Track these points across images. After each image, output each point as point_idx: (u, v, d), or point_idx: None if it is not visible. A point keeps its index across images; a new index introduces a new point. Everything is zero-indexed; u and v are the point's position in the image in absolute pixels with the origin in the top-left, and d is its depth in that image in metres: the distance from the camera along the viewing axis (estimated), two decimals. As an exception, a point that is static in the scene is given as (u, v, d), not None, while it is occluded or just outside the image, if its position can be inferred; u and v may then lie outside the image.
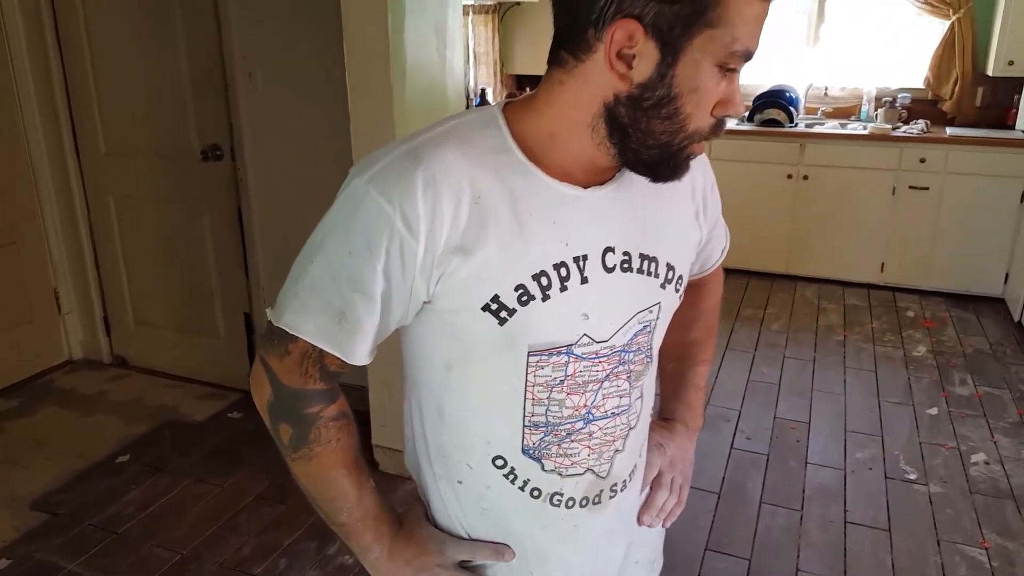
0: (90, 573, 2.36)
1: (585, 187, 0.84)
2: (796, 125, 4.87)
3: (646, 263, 0.88)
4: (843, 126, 4.90)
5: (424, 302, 0.83)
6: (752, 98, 4.89)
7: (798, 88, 5.01)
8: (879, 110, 4.86)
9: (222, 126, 3.10)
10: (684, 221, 0.95)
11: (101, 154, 3.44)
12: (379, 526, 0.96)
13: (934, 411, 3.35)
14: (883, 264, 4.77)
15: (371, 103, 2.44)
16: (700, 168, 0.97)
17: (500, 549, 0.95)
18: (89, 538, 2.52)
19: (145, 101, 3.25)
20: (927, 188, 4.54)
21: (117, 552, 2.46)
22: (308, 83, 2.91)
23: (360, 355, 0.85)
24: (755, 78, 4.98)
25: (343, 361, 0.85)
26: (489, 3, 4.27)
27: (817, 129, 4.84)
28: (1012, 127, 4.61)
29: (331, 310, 0.82)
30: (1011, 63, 4.43)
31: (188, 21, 3.04)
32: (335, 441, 0.91)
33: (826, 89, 5.16)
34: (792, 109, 4.88)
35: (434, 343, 0.88)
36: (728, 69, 0.77)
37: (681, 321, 1.06)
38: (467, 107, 2.79)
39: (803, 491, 2.78)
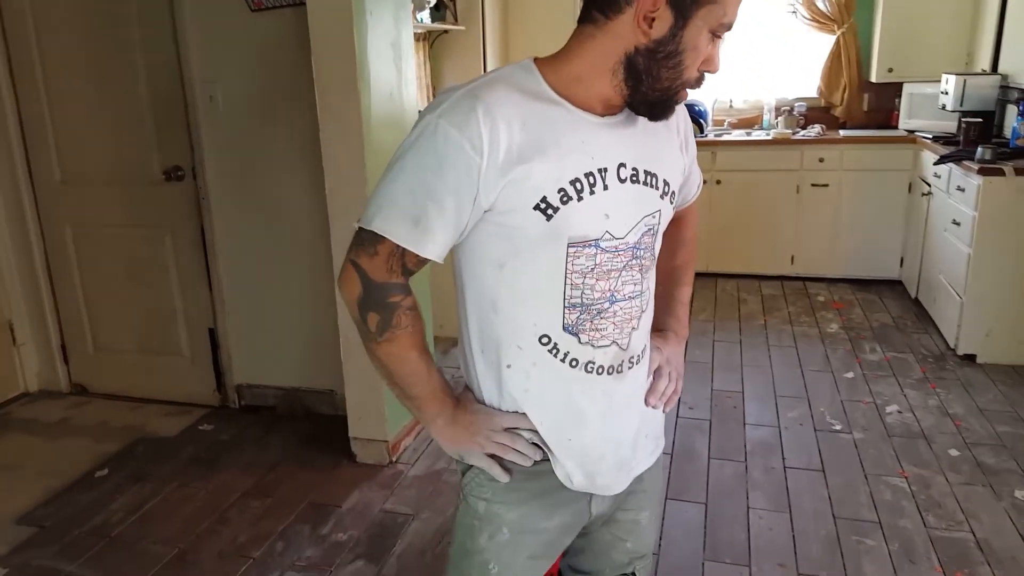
0: (91, 573, 2.45)
1: (602, 116, 1.11)
2: (706, 135, 5.31)
3: (649, 177, 1.15)
4: (748, 134, 5.36)
5: (485, 211, 1.07)
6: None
7: (705, 102, 5.47)
8: (779, 118, 5.36)
9: (183, 148, 3.25)
10: (672, 149, 1.23)
11: (56, 182, 3.52)
12: (444, 399, 1.19)
13: (850, 375, 3.73)
14: (793, 257, 5.22)
15: (340, 113, 2.66)
16: (683, 115, 1.26)
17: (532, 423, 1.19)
18: (83, 543, 2.60)
19: (103, 127, 3.36)
20: (827, 185, 5.03)
21: (114, 553, 2.55)
22: (268, 103, 3.11)
23: (431, 252, 1.07)
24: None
25: (419, 258, 1.08)
26: (419, 31, 4.54)
27: (725, 138, 5.29)
28: (896, 127, 5.16)
29: (410, 216, 1.05)
30: (890, 70, 4.98)
31: (147, 46, 3.19)
32: (411, 326, 1.14)
33: (731, 102, 5.63)
34: (702, 121, 5.32)
35: (490, 246, 1.11)
36: (716, 36, 1.05)
37: (667, 249, 1.34)
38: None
39: (745, 446, 3.09)
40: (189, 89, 3.17)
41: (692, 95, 1.17)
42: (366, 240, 1.09)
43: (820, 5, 5.22)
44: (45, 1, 3.29)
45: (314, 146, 2.87)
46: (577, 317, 1.13)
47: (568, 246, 1.08)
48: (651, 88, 1.07)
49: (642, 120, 1.13)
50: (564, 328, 1.13)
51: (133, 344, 3.65)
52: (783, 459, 2.99)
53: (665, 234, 1.26)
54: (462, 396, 1.24)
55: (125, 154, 3.37)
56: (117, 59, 3.25)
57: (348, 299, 1.13)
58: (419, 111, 3.26)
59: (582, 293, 1.11)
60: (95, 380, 3.77)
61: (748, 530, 2.56)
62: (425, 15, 4.25)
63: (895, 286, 5.04)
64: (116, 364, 3.70)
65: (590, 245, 1.09)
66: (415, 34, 4.85)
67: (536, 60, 1.12)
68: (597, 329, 1.14)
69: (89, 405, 3.68)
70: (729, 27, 1.05)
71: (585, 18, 1.08)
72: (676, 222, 1.37)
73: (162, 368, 3.62)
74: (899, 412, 3.34)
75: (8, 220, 3.60)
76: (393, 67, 2.82)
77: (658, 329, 1.37)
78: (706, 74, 1.10)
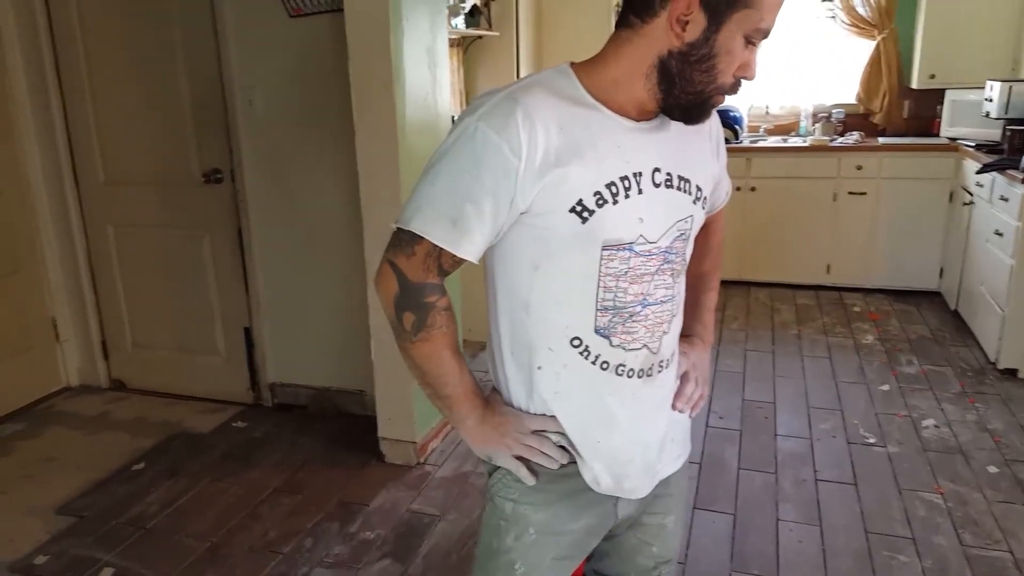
0: (126, 563, 2.51)
1: (637, 121, 1.12)
2: (742, 141, 5.27)
3: (682, 183, 1.15)
4: (785, 141, 5.31)
5: (521, 213, 1.08)
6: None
7: (741, 108, 5.43)
8: (816, 125, 5.30)
9: (222, 150, 3.32)
10: (706, 156, 1.23)
11: (100, 183, 3.61)
12: (474, 399, 1.21)
13: (886, 387, 3.68)
14: (829, 266, 5.16)
15: (376, 118, 2.69)
16: (715, 121, 1.27)
17: (560, 426, 1.20)
18: (119, 534, 2.66)
19: (145, 130, 3.45)
20: (865, 193, 4.96)
21: (149, 544, 2.61)
22: (305, 106, 3.16)
23: (468, 252, 1.09)
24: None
25: (455, 259, 1.10)
26: (454, 37, 4.57)
27: (761, 144, 5.24)
28: (937, 135, 5.07)
29: (448, 217, 1.07)
30: (932, 76, 4.90)
31: (188, 51, 3.27)
32: (445, 327, 1.15)
33: (767, 108, 5.58)
34: (737, 127, 5.28)
35: (524, 248, 1.12)
36: (751, 41, 1.05)
37: (695, 255, 1.35)
38: (452, 121, 3.07)
39: (775, 457, 3.06)
40: (228, 93, 3.23)
41: (728, 101, 1.17)
42: (404, 240, 1.11)
43: (860, 10, 5.15)
44: (91, 8, 3.38)
45: (349, 150, 2.91)
46: (609, 320, 1.14)
47: (602, 249, 1.09)
48: (684, 92, 1.08)
49: (676, 125, 1.14)
50: (596, 331, 1.14)
51: (171, 342, 3.73)
52: (815, 471, 2.96)
53: (694, 240, 1.27)
54: (491, 398, 1.26)
55: (166, 156, 3.45)
56: (159, 64, 3.33)
57: (384, 298, 1.15)
58: (452, 116, 3.31)
59: (615, 296, 1.13)
60: (133, 376, 3.86)
61: (777, 542, 2.54)
62: (460, 21, 4.28)
63: (934, 297, 4.95)
64: (154, 361, 3.78)
65: (624, 248, 1.10)
66: (449, 40, 4.89)
67: (573, 65, 1.13)
68: (629, 332, 1.15)
69: (127, 400, 3.76)
70: (766, 34, 1.05)
71: (622, 23, 1.09)
72: (704, 228, 1.37)
73: (198, 366, 3.69)
74: (936, 426, 3.28)
75: (53, 220, 3.70)
76: (428, 72, 2.85)
77: (685, 335, 1.37)
78: (743, 80, 1.10)
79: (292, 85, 3.15)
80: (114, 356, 3.87)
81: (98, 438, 3.39)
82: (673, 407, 1.30)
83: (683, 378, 1.32)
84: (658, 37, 1.05)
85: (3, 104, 3.48)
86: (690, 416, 1.35)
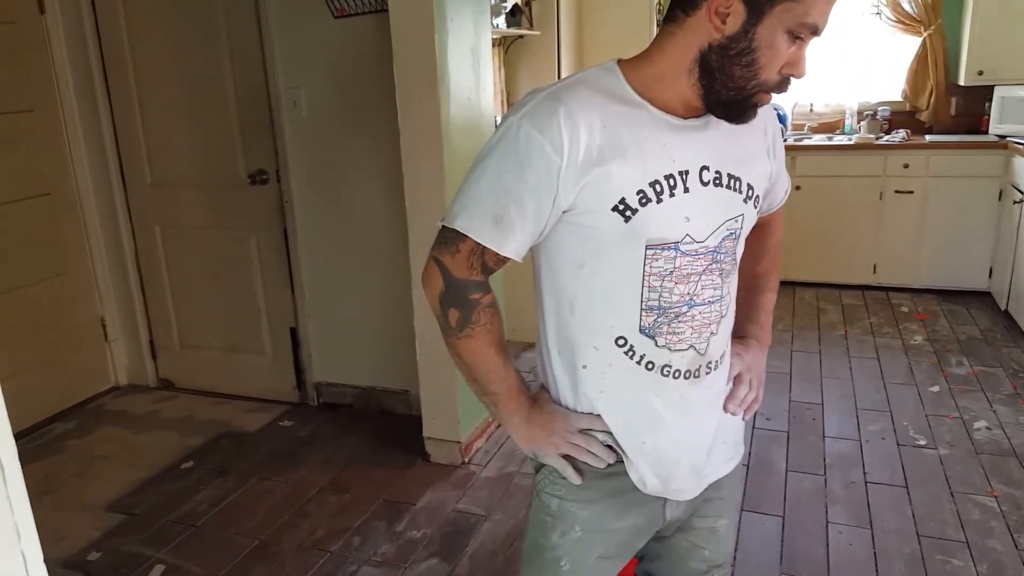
0: (177, 560, 2.55)
1: (685, 119, 1.10)
2: (786, 140, 5.20)
3: (732, 181, 1.13)
4: (830, 139, 5.23)
5: (564, 211, 1.08)
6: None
7: (785, 106, 5.36)
8: (862, 123, 5.21)
9: (268, 151, 3.35)
10: (759, 154, 1.21)
11: (147, 184, 3.67)
12: (520, 397, 1.21)
13: (935, 388, 3.60)
14: (875, 266, 5.07)
15: (420, 117, 2.70)
16: (771, 120, 1.25)
17: (606, 425, 1.19)
18: (169, 531, 2.70)
19: (191, 132, 3.50)
20: (912, 192, 4.86)
21: (199, 541, 2.64)
22: (349, 107, 3.18)
23: (511, 250, 1.10)
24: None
25: (499, 256, 1.10)
26: (495, 36, 4.58)
27: (806, 142, 5.17)
28: (986, 132, 4.96)
29: (491, 216, 1.08)
30: (980, 73, 4.79)
31: (233, 53, 3.31)
32: (489, 323, 1.16)
33: (811, 106, 5.50)
34: (781, 125, 5.20)
35: (568, 247, 1.12)
36: (797, 37, 1.02)
37: (751, 255, 1.33)
38: (494, 122, 3.07)
39: (824, 459, 3.02)
40: (273, 95, 3.27)
41: (772, 100, 1.14)
42: (449, 238, 1.12)
43: (906, 6, 5.06)
44: (138, 12, 3.44)
45: (392, 150, 2.92)
46: (655, 320, 1.13)
47: (646, 248, 1.08)
48: (724, 87, 1.05)
49: (727, 123, 1.12)
50: (641, 330, 1.13)
51: (218, 341, 3.78)
52: (864, 473, 2.91)
53: (749, 240, 1.25)
54: (538, 396, 1.25)
55: (212, 158, 3.50)
56: (205, 67, 3.38)
57: (430, 295, 1.16)
58: (495, 117, 3.32)
59: (660, 296, 1.12)
60: (181, 376, 3.92)
61: (827, 545, 2.50)
62: (501, 20, 4.28)
63: (983, 297, 4.84)
64: (201, 361, 3.84)
65: (669, 248, 1.09)
66: (491, 39, 4.90)
67: (620, 62, 1.12)
68: (675, 333, 1.14)
69: (175, 399, 3.82)
70: (815, 30, 1.01)
71: (668, 18, 1.08)
72: (761, 228, 1.36)
73: (245, 365, 3.74)
74: (988, 428, 3.20)
75: (102, 221, 3.77)
76: (472, 72, 2.86)
77: (740, 336, 1.35)
78: (791, 78, 1.07)
79: (336, 86, 3.18)
80: (162, 356, 3.93)
81: (147, 437, 3.45)
82: (725, 409, 1.28)
83: (736, 380, 1.30)
84: (699, 30, 1.04)
85: (52, 108, 3.56)
86: (743, 419, 1.33)
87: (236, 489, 2.95)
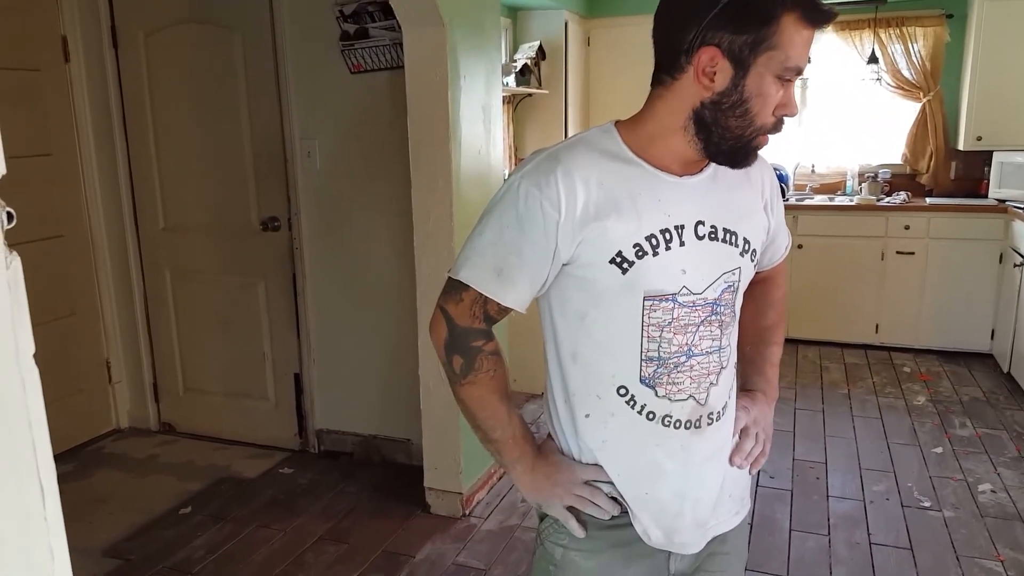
0: (173, 607, 2.52)
1: (680, 176, 1.15)
2: (788, 200, 5.27)
3: (728, 235, 1.17)
4: (831, 199, 5.30)
5: (564, 264, 1.13)
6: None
7: (787, 167, 5.44)
8: (863, 184, 5.29)
9: (281, 199, 3.41)
10: (755, 209, 1.25)
11: (159, 229, 3.72)
12: (524, 445, 1.23)
13: (939, 450, 3.59)
14: (877, 325, 5.09)
15: (432, 169, 2.76)
16: (768, 176, 1.28)
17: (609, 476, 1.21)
18: (166, 578, 2.68)
19: (206, 179, 3.56)
20: (913, 253, 4.91)
21: (196, 588, 2.61)
22: (362, 158, 3.24)
23: (512, 300, 1.14)
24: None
25: (500, 306, 1.14)
26: (504, 94, 4.69)
27: (808, 202, 5.24)
28: (985, 196, 5.03)
29: (493, 267, 1.13)
30: (979, 138, 4.88)
31: (251, 104, 3.39)
32: (493, 370, 1.20)
33: (813, 167, 5.59)
34: (783, 185, 5.29)
35: (570, 298, 1.16)
36: (784, 80, 1.07)
37: (756, 309, 1.36)
38: (503, 176, 3.14)
39: (828, 519, 2.99)
40: (289, 145, 3.34)
41: (774, 160, 1.19)
42: (453, 288, 1.16)
43: (905, 73, 5.18)
44: (159, 60, 3.53)
45: (402, 201, 2.97)
46: (654, 370, 1.15)
47: (644, 299, 1.12)
48: (723, 138, 1.10)
49: (724, 179, 1.17)
50: (641, 380, 1.16)
51: (221, 386, 3.78)
52: (868, 534, 2.88)
53: (754, 294, 1.28)
54: (544, 445, 1.27)
55: (226, 204, 3.55)
56: (223, 116, 3.45)
57: (436, 342, 1.20)
58: (504, 171, 3.38)
59: (659, 346, 1.14)
60: (183, 420, 3.91)
61: (831, 606, 2.47)
62: (511, 79, 4.39)
63: (985, 359, 4.84)
64: (204, 405, 3.83)
65: (667, 299, 1.13)
66: (501, 97, 5.02)
67: (617, 123, 1.18)
68: (674, 383, 1.16)
69: (176, 444, 3.81)
70: (799, 71, 1.07)
71: (655, 82, 1.14)
72: (765, 282, 1.39)
73: (247, 411, 3.73)
74: (993, 491, 3.19)
75: (113, 264, 3.81)
76: (482, 128, 2.93)
77: (747, 389, 1.37)
78: (785, 118, 1.12)
79: (350, 138, 3.25)
80: (165, 399, 3.93)
81: (146, 481, 3.43)
82: (731, 462, 1.29)
83: (742, 433, 1.31)
84: (688, 91, 1.09)
85: (71, 153, 3.63)
86: (750, 473, 1.34)
87: (233, 536, 2.93)
